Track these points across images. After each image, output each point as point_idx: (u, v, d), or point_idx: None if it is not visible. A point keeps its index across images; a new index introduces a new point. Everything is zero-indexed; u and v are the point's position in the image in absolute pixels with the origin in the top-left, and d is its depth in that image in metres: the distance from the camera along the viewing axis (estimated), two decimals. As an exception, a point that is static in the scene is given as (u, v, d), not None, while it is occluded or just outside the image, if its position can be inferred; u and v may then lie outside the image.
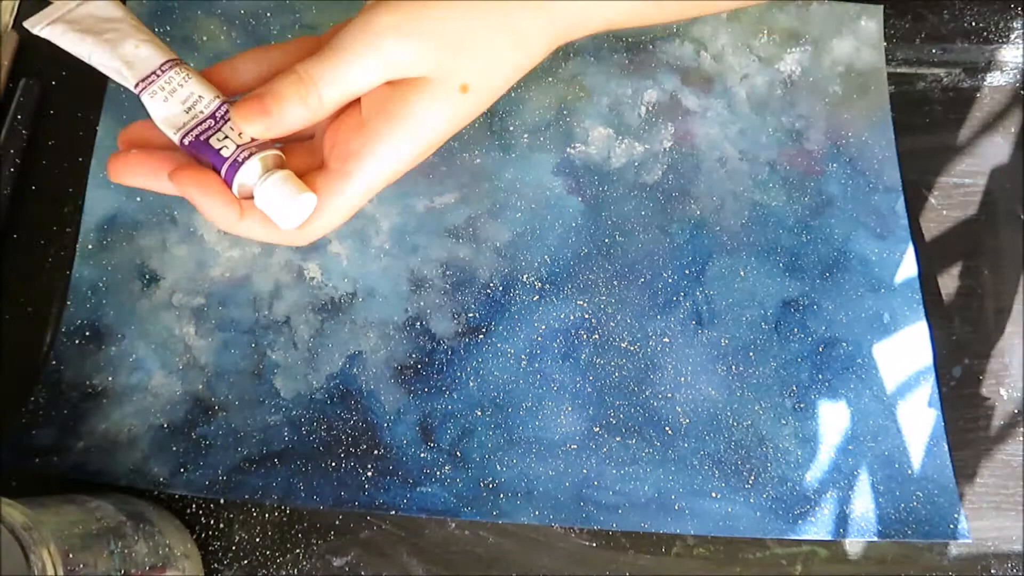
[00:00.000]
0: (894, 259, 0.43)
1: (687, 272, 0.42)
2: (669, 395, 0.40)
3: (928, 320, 0.41)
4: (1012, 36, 0.48)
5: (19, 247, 0.43)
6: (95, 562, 0.30)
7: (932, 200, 0.45)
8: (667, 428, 0.40)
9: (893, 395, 0.40)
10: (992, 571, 0.38)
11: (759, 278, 0.42)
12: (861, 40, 0.47)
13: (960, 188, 0.45)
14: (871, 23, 0.47)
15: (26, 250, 0.42)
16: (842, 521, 0.38)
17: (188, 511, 0.38)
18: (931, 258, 0.43)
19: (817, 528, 0.38)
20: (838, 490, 0.38)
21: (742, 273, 0.42)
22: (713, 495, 0.38)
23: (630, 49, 0.46)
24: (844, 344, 0.41)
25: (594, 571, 0.38)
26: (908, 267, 0.42)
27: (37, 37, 0.26)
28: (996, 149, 0.45)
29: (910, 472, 0.39)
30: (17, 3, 0.46)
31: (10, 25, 0.45)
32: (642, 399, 0.40)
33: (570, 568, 0.38)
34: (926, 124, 0.46)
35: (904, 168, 0.44)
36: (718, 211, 0.43)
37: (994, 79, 0.47)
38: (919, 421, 0.40)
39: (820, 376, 0.41)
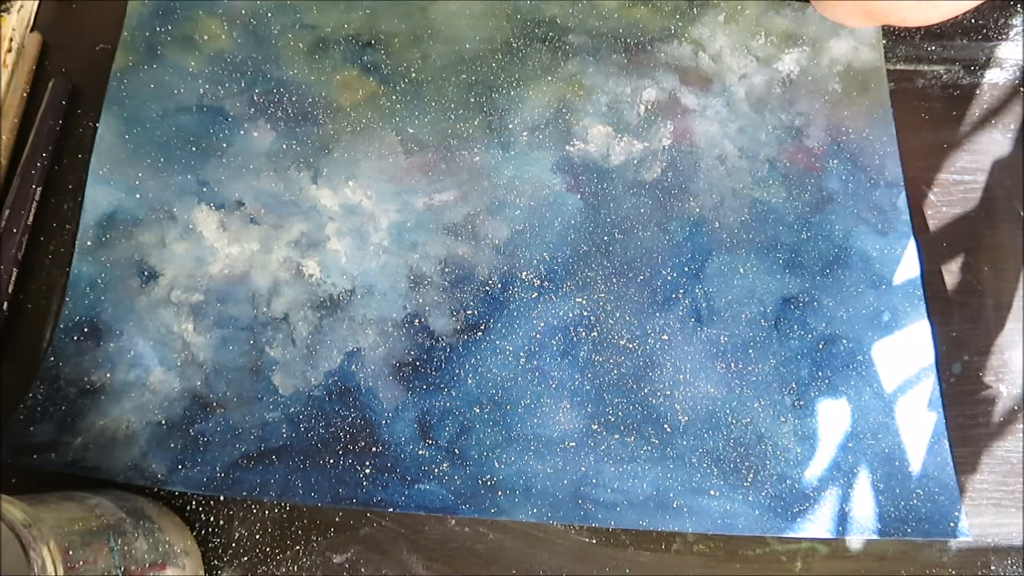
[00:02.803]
0: (895, 255, 0.42)
1: (686, 269, 0.42)
2: (668, 393, 0.40)
3: (929, 317, 0.41)
4: (1011, 33, 0.48)
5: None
6: (95, 559, 0.30)
7: (931, 197, 0.44)
8: (666, 426, 0.39)
9: (894, 392, 0.40)
10: (992, 567, 0.38)
11: (759, 275, 0.42)
12: (859, 40, 0.47)
13: (960, 184, 0.45)
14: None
15: (25, 247, 0.42)
16: (841, 519, 0.38)
17: (188, 508, 0.38)
18: (930, 255, 0.43)
19: (816, 526, 0.38)
20: (838, 488, 0.38)
21: (742, 270, 0.42)
22: (712, 493, 0.38)
23: (628, 50, 0.46)
24: (844, 341, 0.41)
25: (594, 568, 0.38)
26: (909, 263, 0.42)
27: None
28: (996, 146, 0.45)
29: (910, 470, 0.39)
30: (36, 4, 0.46)
31: (30, 27, 0.45)
32: (641, 397, 0.40)
33: (570, 565, 0.38)
34: (925, 121, 0.46)
35: (903, 165, 0.44)
36: (717, 208, 0.43)
37: (993, 76, 0.47)
38: (920, 418, 0.40)
39: (820, 373, 0.40)
